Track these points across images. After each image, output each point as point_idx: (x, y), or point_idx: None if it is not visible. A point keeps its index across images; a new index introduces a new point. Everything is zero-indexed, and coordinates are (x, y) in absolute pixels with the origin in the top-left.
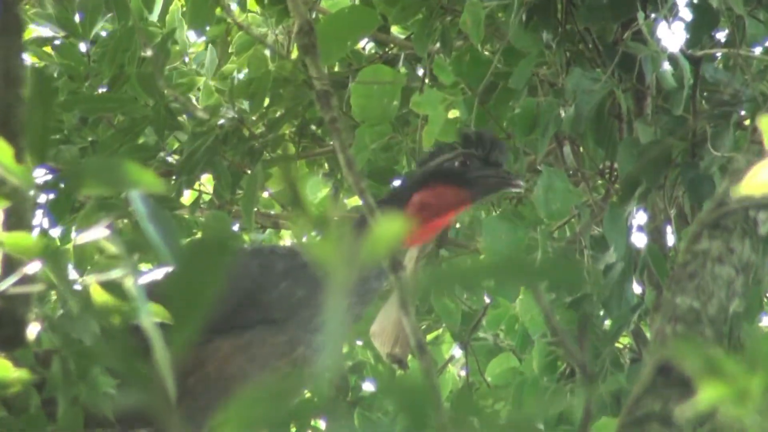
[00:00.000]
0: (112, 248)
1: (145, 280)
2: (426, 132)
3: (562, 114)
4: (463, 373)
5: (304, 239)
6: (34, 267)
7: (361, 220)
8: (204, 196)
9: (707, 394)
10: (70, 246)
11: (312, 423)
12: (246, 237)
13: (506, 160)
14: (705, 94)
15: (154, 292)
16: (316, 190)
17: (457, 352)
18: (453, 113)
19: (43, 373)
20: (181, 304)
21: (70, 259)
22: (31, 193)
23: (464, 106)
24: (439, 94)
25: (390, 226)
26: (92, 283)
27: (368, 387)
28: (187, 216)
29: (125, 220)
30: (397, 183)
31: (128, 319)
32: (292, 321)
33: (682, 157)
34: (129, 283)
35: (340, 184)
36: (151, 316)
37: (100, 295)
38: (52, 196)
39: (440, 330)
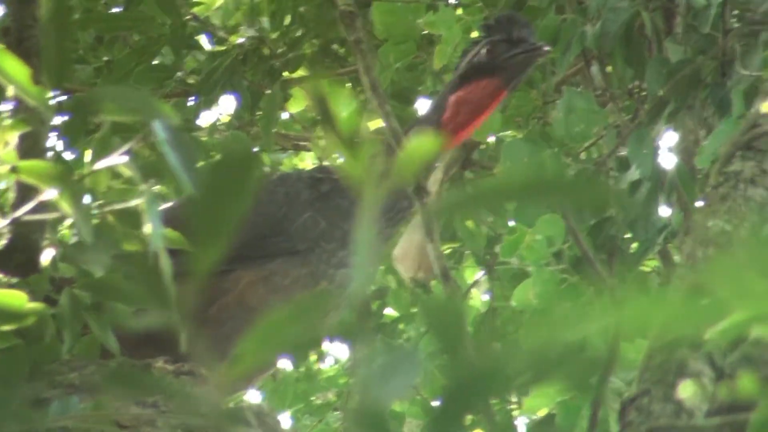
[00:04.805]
0: (128, 173)
1: (161, 206)
2: (438, 51)
3: (588, 32)
4: (485, 297)
5: (332, 158)
6: (49, 194)
7: (390, 147)
8: (222, 117)
9: (739, 317)
10: (84, 170)
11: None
12: (266, 158)
13: (531, 33)
14: (735, 12)
15: (172, 217)
16: (345, 106)
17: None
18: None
19: (57, 301)
20: (204, 227)
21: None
22: (48, 116)
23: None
24: (454, 12)
25: (422, 144)
26: (108, 210)
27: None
28: (205, 138)
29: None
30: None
31: (143, 246)
32: (314, 254)
33: (712, 77)
34: (144, 208)
35: (363, 105)
36: (163, 242)
37: (116, 222)
38: (66, 118)
39: (463, 254)
